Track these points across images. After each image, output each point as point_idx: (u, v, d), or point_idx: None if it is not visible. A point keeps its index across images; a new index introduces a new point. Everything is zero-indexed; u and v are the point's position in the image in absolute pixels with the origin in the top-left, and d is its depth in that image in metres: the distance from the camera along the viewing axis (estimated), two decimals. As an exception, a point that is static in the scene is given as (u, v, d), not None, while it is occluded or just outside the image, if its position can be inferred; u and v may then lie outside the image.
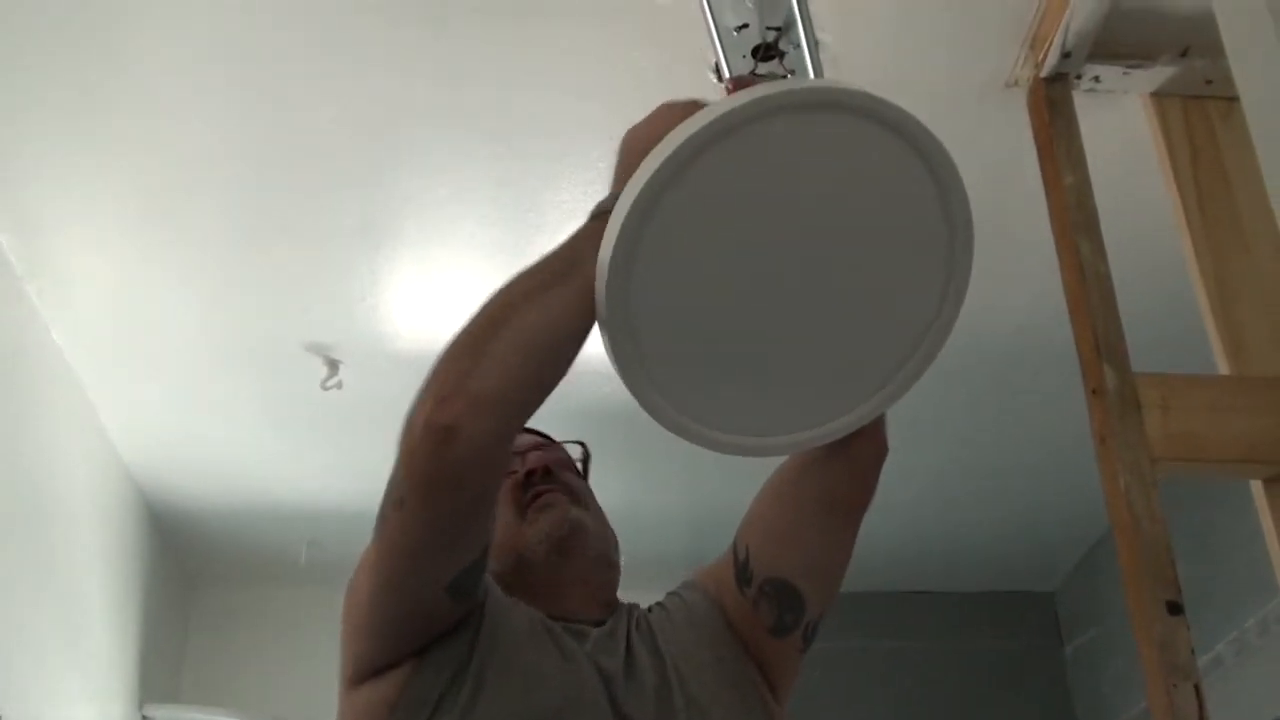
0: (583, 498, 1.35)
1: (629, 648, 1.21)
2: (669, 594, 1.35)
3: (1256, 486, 1.56)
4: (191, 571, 3.79)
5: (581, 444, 1.44)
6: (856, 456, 1.24)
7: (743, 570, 1.26)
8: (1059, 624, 4.02)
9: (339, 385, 2.85)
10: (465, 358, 1.02)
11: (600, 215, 1.08)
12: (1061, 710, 3.89)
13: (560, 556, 1.27)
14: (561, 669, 1.15)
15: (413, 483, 1.05)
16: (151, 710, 3.51)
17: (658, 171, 1.00)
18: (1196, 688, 1.34)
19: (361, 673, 1.15)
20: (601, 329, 1.08)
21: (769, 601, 1.24)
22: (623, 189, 1.06)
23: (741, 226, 1.04)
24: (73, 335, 2.79)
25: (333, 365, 2.84)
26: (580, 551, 1.28)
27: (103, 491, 3.18)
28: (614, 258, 1.03)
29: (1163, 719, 1.27)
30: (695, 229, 1.03)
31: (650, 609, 1.32)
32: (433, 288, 2.68)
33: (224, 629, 3.78)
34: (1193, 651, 1.38)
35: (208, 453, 3.26)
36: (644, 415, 1.15)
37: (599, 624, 1.24)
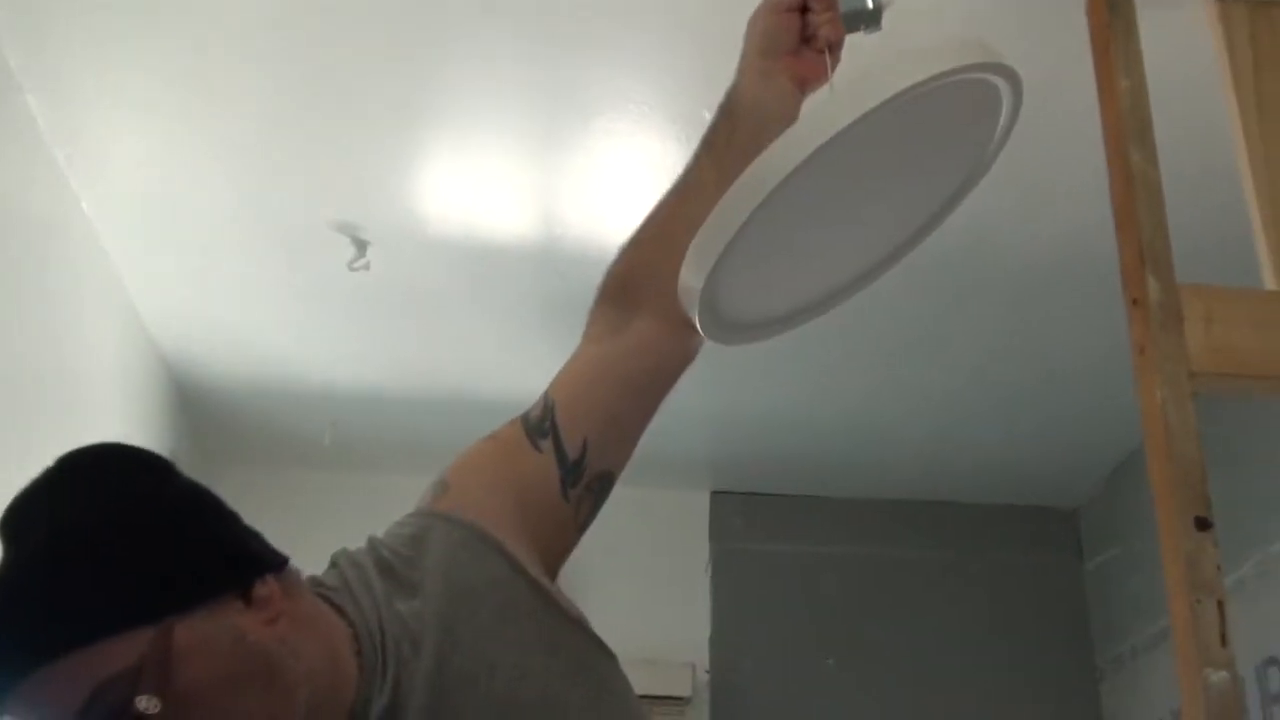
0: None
1: None
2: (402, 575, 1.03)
3: (1296, 406, 1.53)
4: (215, 449, 3.81)
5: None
6: (693, 348, 1.21)
7: (574, 469, 1.09)
8: (1080, 541, 4.01)
9: (366, 266, 2.83)
10: None
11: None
12: (1077, 626, 3.89)
13: None
14: None
15: None
16: (173, 582, 3.55)
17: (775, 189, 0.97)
18: (1220, 604, 1.32)
19: None
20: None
21: (594, 498, 1.12)
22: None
23: (831, 172, 1.01)
24: (102, 206, 2.76)
25: (361, 246, 2.81)
26: None
27: (129, 365, 3.19)
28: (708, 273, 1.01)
29: (1184, 634, 1.25)
30: (795, 192, 1.00)
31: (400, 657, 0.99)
32: (465, 172, 2.63)
33: (247, 507, 3.72)
34: (1219, 568, 1.35)
35: (234, 330, 3.25)
36: None
37: None
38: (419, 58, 2.36)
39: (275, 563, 0.99)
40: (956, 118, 1.08)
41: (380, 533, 1.10)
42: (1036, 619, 3.89)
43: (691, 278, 1.01)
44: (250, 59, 2.37)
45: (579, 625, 1.07)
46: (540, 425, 1.10)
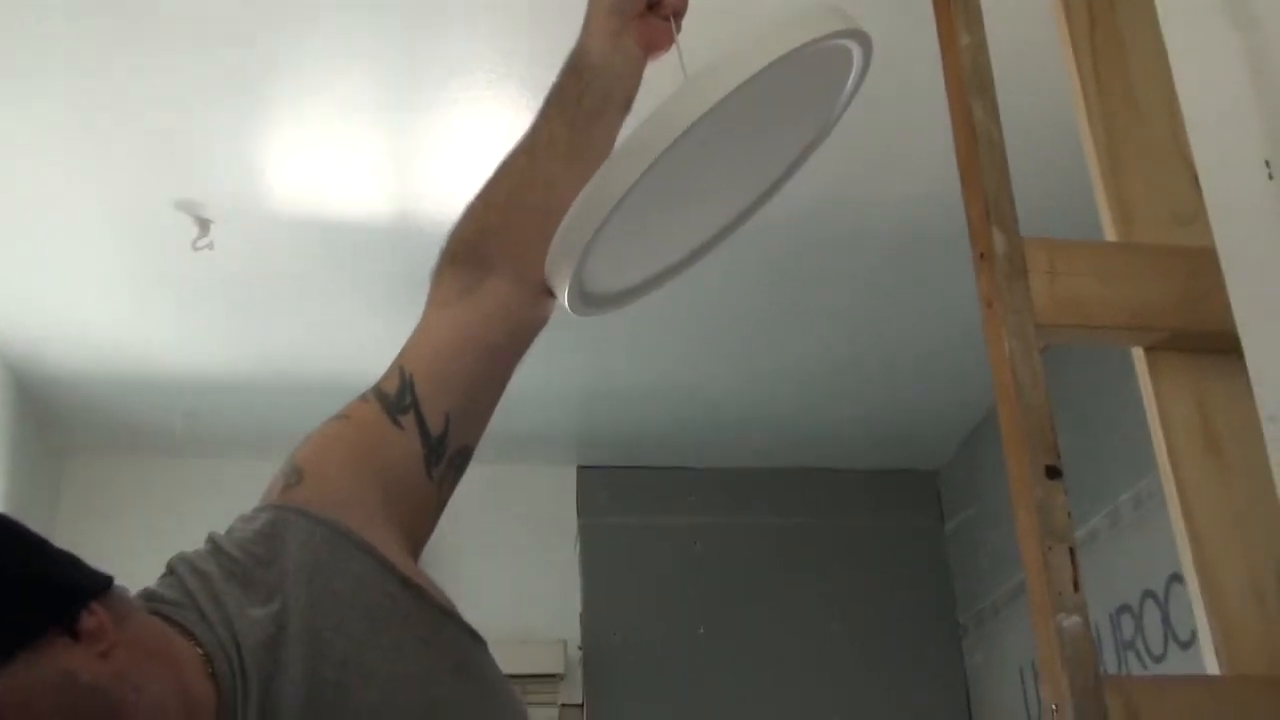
0: None
1: None
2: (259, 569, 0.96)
3: (1138, 355, 1.55)
4: (61, 442, 3.67)
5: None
6: (547, 312, 1.17)
7: (438, 445, 1.04)
8: (941, 502, 4.09)
9: (210, 246, 2.73)
10: None
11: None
12: (940, 584, 3.97)
13: None
14: None
15: None
16: (18, 581, 3.40)
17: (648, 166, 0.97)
18: (1071, 550, 1.33)
19: None
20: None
21: (455, 473, 1.07)
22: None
23: (692, 143, 1.00)
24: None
25: (204, 224, 2.72)
26: None
27: (-38, 356, 3.04)
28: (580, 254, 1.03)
29: (1037, 580, 1.26)
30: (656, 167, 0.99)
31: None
32: (308, 146, 2.55)
33: (96, 500, 3.67)
34: (1069, 515, 1.36)
35: (76, 317, 3.13)
36: None
37: None
38: (257, 23, 2.27)
39: (97, 587, 0.89)
40: (807, 80, 1.08)
41: (222, 530, 1.01)
42: (901, 580, 3.96)
43: (563, 260, 1.01)
44: (75, 30, 2.26)
45: (451, 617, 1.01)
46: (400, 401, 1.04)
